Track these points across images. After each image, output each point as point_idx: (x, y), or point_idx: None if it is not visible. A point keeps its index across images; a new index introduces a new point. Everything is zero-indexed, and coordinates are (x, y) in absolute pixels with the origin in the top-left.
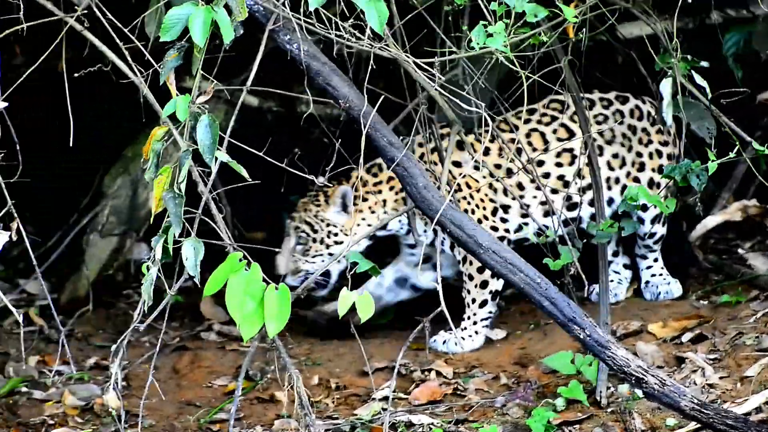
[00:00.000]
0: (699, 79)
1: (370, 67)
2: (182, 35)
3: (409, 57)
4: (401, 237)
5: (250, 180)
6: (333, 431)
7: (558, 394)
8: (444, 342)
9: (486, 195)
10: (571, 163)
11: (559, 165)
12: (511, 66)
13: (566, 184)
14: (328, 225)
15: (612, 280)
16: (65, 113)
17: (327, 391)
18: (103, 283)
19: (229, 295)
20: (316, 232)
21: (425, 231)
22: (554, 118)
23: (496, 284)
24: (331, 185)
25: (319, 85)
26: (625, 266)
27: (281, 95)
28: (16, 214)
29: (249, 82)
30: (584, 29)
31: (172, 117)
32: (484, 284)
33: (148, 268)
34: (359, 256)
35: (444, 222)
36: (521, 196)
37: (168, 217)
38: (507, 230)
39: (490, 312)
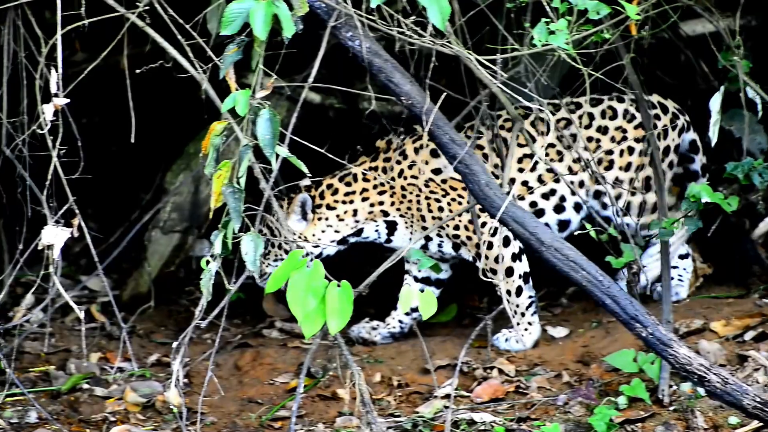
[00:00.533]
0: (752, 93)
1: (432, 64)
2: (242, 30)
3: (471, 54)
4: (382, 244)
5: (310, 176)
6: (395, 429)
7: (620, 392)
8: (506, 340)
9: (464, 197)
10: (533, 169)
11: (521, 170)
12: (573, 63)
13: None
14: (287, 231)
15: (672, 278)
16: (127, 110)
17: (389, 389)
18: (165, 279)
19: (291, 292)
20: (274, 236)
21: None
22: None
23: (522, 267)
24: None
25: (381, 82)
26: (684, 262)
27: (343, 92)
28: (77, 211)
29: (311, 79)
30: (646, 27)
31: (233, 112)
32: (509, 272)
33: (207, 263)
34: (420, 253)
35: (506, 219)
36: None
37: (227, 212)
38: (481, 232)
39: (531, 297)
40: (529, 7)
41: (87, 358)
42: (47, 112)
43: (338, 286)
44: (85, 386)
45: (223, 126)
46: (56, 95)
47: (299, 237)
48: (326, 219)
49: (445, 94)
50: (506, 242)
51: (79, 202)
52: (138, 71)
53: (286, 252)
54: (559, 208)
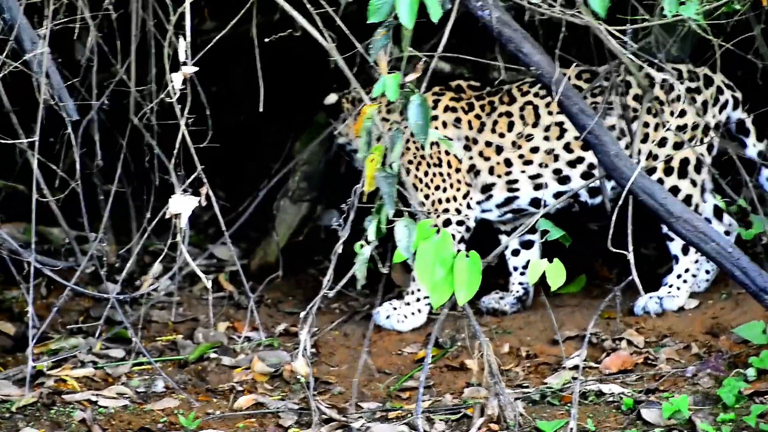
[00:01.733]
0: None
1: (561, 33)
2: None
3: (601, 24)
4: None
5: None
6: (523, 400)
7: (749, 364)
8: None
9: (464, 177)
10: (560, 137)
11: (546, 139)
12: (703, 34)
13: (556, 158)
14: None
15: (664, 285)
16: (256, 79)
17: (517, 360)
18: (293, 249)
19: (419, 262)
20: None
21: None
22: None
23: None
24: None
25: (510, 52)
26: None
27: (473, 61)
28: (205, 180)
29: (440, 48)
30: None
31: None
32: None
33: (361, 247)
34: (550, 224)
35: (635, 190)
36: (508, 172)
37: (380, 196)
38: (467, 216)
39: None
40: None
41: (215, 328)
42: (176, 80)
43: (467, 256)
44: (213, 355)
45: (374, 109)
46: (185, 64)
47: None
48: None
49: (575, 64)
50: None
51: (208, 171)
52: (267, 40)
53: None
54: (587, 176)
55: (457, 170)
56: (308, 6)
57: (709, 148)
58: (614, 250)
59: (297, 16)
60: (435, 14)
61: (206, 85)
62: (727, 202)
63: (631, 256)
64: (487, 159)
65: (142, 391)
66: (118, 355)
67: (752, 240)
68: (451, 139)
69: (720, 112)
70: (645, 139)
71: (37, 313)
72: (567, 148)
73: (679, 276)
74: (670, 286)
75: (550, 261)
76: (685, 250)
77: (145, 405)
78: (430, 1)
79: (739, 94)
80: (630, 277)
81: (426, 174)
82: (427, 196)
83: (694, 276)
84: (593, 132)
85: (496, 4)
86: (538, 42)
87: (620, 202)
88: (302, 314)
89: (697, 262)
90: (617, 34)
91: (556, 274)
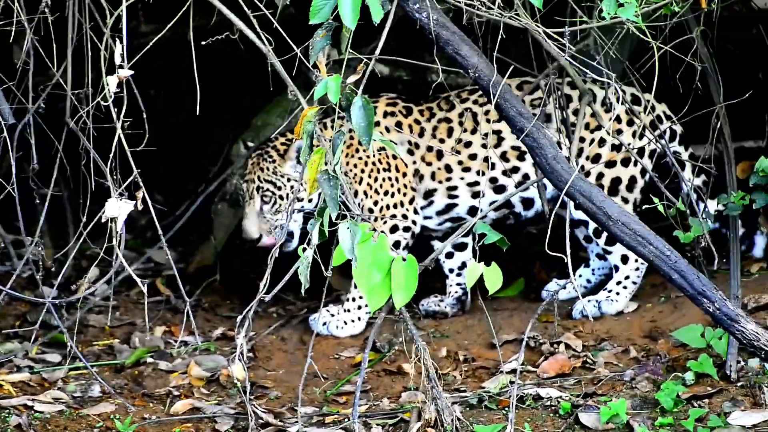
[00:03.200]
0: None
1: (499, 36)
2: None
3: (539, 26)
4: None
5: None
6: (460, 404)
7: (687, 367)
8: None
9: (410, 182)
10: (497, 145)
11: (484, 147)
12: (642, 36)
13: (492, 166)
14: (288, 180)
15: (605, 290)
16: (192, 81)
17: (455, 364)
18: (231, 252)
19: (357, 266)
20: (279, 188)
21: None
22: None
23: None
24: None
25: (448, 55)
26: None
27: (411, 64)
28: (141, 183)
29: (377, 51)
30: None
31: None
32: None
33: (303, 250)
34: (487, 227)
35: (573, 193)
36: (448, 178)
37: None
38: (414, 222)
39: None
40: None
41: (151, 332)
42: (111, 83)
43: (403, 260)
44: (150, 360)
45: (315, 111)
46: (121, 67)
47: (301, 183)
48: None
49: (512, 67)
50: None
51: (145, 174)
52: (204, 43)
53: (298, 200)
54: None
55: (404, 175)
56: (246, 9)
57: (642, 171)
58: (552, 253)
59: (234, 18)
60: (376, 15)
61: (145, 87)
62: (665, 206)
63: (568, 260)
64: (429, 164)
65: (79, 395)
66: (54, 360)
67: (690, 243)
68: (395, 143)
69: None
70: (579, 153)
71: None
72: (503, 157)
73: (619, 282)
74: (609, 291)
75: (488, 264)
76: (624, 260)
77: (82, 410)
78: (372, 2)
79: (678, 128)
80: (567, 280)
81: (376, 180)
82: (376, 202)
83: (634, 283)
84: (531, 135)
85: (433, 6)
86: (476, 44)
87: (557, 205)
88: (239, 318)
89: (638, 270)
90: (555, 36)
91: (494, 277)
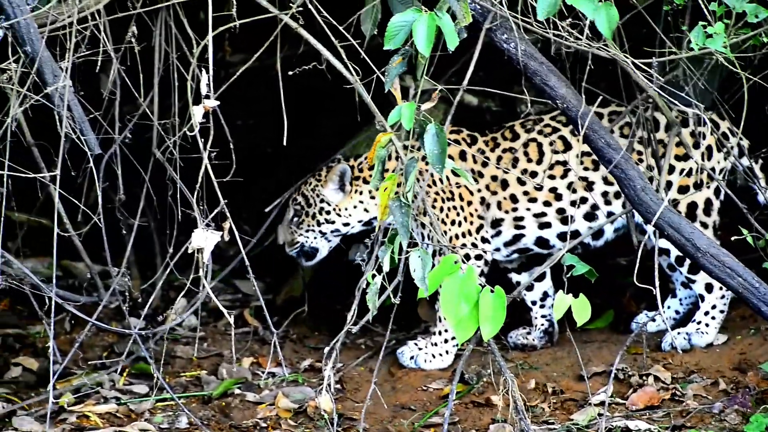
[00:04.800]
0: None
1: (588, 67)
2: (405, 40)
3: (628, 57)
4: None
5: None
6: None
7: None
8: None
9: (476, 210)
10: (564, 176)
11: (551, 177)
12: (731, 67)
13: (558, 197)
14: (322, 201)
15: (693, 321)
16: (280, 112)
17: (543, 396)
18: (319, 283)
19: (444, 297)
20: (309, 206)
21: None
22: (555, 130)
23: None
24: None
25: (536, 85)
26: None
27: (500, 94)
28: (228, 214)
29: (465, 82)
30: None
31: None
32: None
33: (373, 277)
34: (575, 258)
35: (662, 225)
36: (515, 209)
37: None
38: (485, 251)
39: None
40: (687, 10)
41: (239, 363)
42: (197, 113)
43: (491, 291)
44: (237, 391)
45: (388, 138)
46: (207, 97)
47: (334, 208)
48: (360, 194)
49: (600, 98)
50: None
51: (234, 204)
52: (291, 72)
53: (318, 224)
54: (589, 216)
55: (469, 203)
56: (333, 39)
57: (716, 192)
58: (640, 285)
59: (321, 49)
60: (451, 42)
61: (234, 118)
62: (754, 237)
63: (657, 291)
64: (494, 193)
65: (166, 427)
66: (141, 391)
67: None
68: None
69: (725, 159)
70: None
71: (61, 349)
72: (570, 187)
73: (707, 313)
74: (699, 323)
75: (576, 296)
76: (709, 288)
77: None
78: (447, 29)
79: (745, 142)
80: (656, 312)
81: (441, 210)
82: (444, 233)
83: (722, 312)
84: (619, 166)
85: (521, 37)
86: (564, 75)
87: (645, 238)
88: (326, 349)
89: (723, 297)
90: (644, 66)
91: (582, 309)
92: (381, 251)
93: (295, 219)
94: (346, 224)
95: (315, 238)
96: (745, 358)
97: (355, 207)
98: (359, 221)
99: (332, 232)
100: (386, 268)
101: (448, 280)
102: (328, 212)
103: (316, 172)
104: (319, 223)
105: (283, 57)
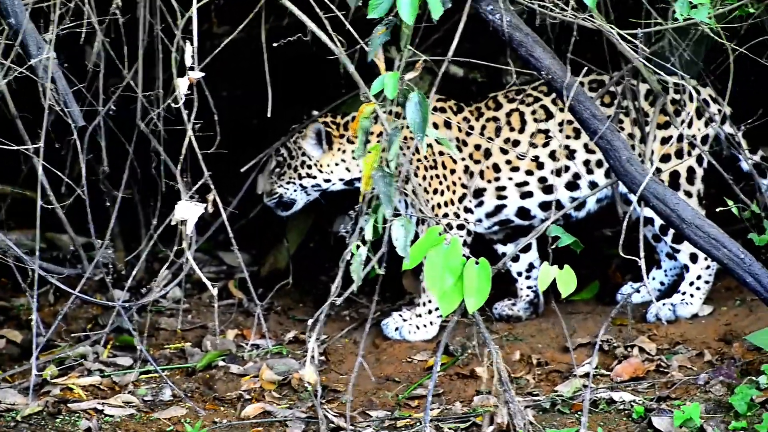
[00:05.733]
0: None
1: (573, 38)
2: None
3: (613, 28)
4: None
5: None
6: (533, 408)
7: (762, 371)
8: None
9: (459, 179)
10: (545, 144)
11: (533, 146)
12: (716, 38)
13: (540, 166)
14: (303, 155)
15: (677, 293)
16: (263, 83)
17: (528, 367)
18: (304, 255)
19: (428, 269)
20: (292, 158)
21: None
22: (537, 99)
23: None
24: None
25: (522, 56)
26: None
27: (486, 65)
28: (212, 186)
29: (450, 53)
30: None
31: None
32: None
33: (358, 248)
34: (561, 230)
35: (647, 196)
36: (497, 178)
37: (377, 196)
38: (467, 221)
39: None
40: None
41: (223, 335)
42: (182, 85)
43: (476, 263)
44: (221, 363)
45: (371, 108)
46: (191, 68)
47: (315, 164)
48: (342, 152)
49: (586, 68)
50: None
51: (218, 176)
52: (275, 44)
53: (300, 177)
54: (571, 186)
55: (452, 172)
56: (317, 10)
57: (699, 159)
58: (626, 256)
59: (306, 20)
60: (435, 12)
61: (218, 89)
62: (740, 208)
63: (642, 263)
64: (477, 162)
65: (149, 399)
66: (125, 363)
67: (765, 246)
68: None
69: (705, 126)
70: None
71: (45, 321)
72: (552, 156)
73: (691, 283)
74: (683, 293)
75: (561, 267)
76: (693, 258)
77: (152, 414)
78: None
79: (727, 109)
80: (641, 284)
81: (424, 178)
82: (426, 201)
83: (707, 282)
84: (605, 137)
85: (506, 8)
86: (549, 46)
87: (630, 208)
88: (310, 321)
89: (708, 268)
90: (629, 38)
91: (567, 280)
92: (363, 220)
93: (277, 170)
94: (327, 180)
95: (295, 190)
96: (731, 330)
97: (336, 165)
98: (340, 179)
99: (312, 186)
100: (369, 237)
101: (433, 252)
102: (309, 167)
103: (300, 128)
104: (300, 177)
105: (270, 28)
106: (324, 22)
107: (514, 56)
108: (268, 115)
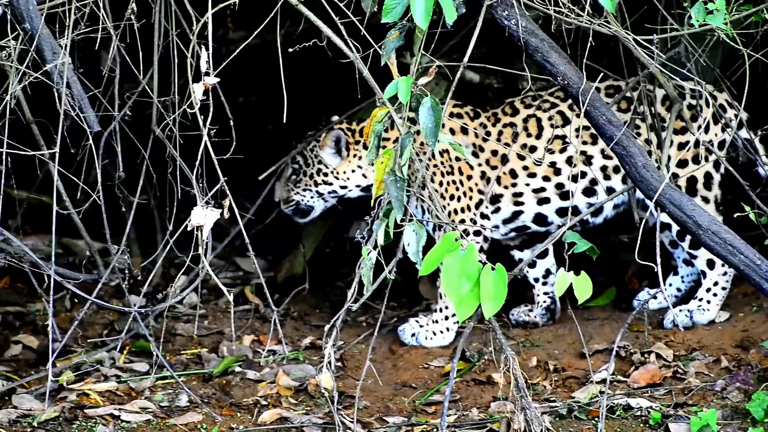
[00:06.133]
0: None
1: (588, 43)
2: (403, 14)
3: (629, 33)
4: None
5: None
6: (549, 414)
7: None
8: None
9: (476, 185)
10: (563, 150)
11: (550, 152)
12: (732, 44)
13: (557, 172)
14: (320, 162)
15: (694, 299)
16: (279, 89)
17: (545, 374)
18: (320, 261)
19: (445, 275)
20: (308, 166)
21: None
22: (554, 105)
23: None
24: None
25: (537, 62)
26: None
27: (502, 71)
28: (228, 191)
29: (466, 59)
30: None
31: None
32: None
33: (368, 252)
34: (577, 235)
35: (663, 202)
36: (514, 184)
37: (389, 200)
38: (483, 227)
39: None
40: None
41: (239, 341)
42: (197, 91)
43: (492, 269)
44: (237, 369)
45: (384, 112)
46: (207, 74)
47: (332, 171)
48: (358, 159)
49: (602, 74)
50: None
51: (234, 182)
52: (291, 50)
53: (316, 184)
54: (588, 192)
55: (469, 177)
56: (333, 16)
57: (716, 165)
58: (642, 262)
59: (321, 25)
60: (450, 17)
61: (235, 94)
62: (757, 214)
63: (658, 269)
64: (494, 168)
65: (166, 405)
66: (141, 369)
67: None
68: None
69: (722, 131)
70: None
71: (61, 327)
72: (569, 162)
73: (708, 290)
74: (700, 300)
75: (577, 273)
76: (710, 264)
77: (168, 419)
78: (445, 3)
79: (743, 114)
80: (658, 290)
81: (441, 184)
82: (443, 207)
83: (724, 289)
84: (620, 143)
85: (522, 13)
86: (565, 52)
87: (647, 214)
88: (326, 327)
89: (725, 274)
90: (645, 43)
91: (583, 286)
92: (375, 225)
93: (293, 177)
94: (343, 187)
95: (312, 197)
96: (748, 336)
97: (353, 171)
98: (357, 186)
99: (329, 193)
100: (380, 242)
101: (449, 257)
102: (326, 174)
103: (316, 134)
104: (316, 183)
105: (285, 33)
106: (339, 27)
107: (530, 62)
108: (284, 120)
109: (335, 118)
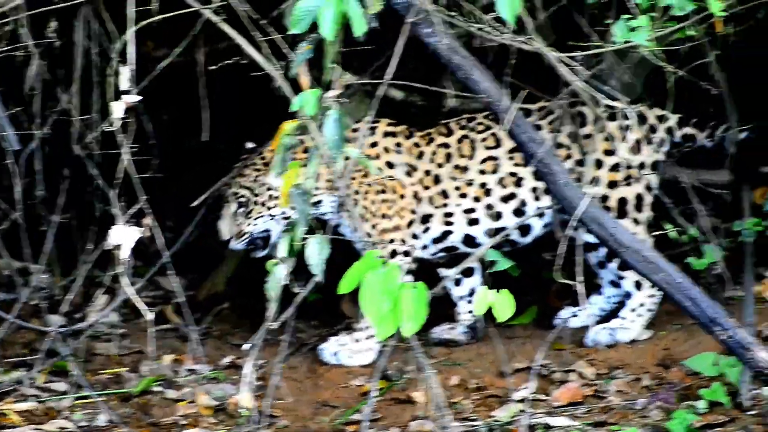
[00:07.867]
0: None
1: (511, 60)
2: (315, 27)
3: (552, 50)
4: (332, 221)
5: (381, 175)
6: None
7: (700, 396)
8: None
9: (408, 204)
10: (494, 171)
11: (482, 172)
12: (655, 61)
13: (488, 192)
14: (268, 189)
15: (617, 317)
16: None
17: (466, 392)
18: (242, 279)
19: (365, 293)
20: (257, 195)
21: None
22: (488, 128)
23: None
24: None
25: (460, 79)
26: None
27: (426, 89)
28: (149, 210)
29: (388, 76)
30: (732, 23)
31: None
32: None
33: (275, 266)
34: (498, 254)
35: (585, 220)
36: (445, 204)
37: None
38: (412, 246)
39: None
40: (613, 3)
41: (159, 360)
42: (117, 109)
43: (413, 287)
44: (157, 389)
45: (293, 126)
46: (127, 92)
47: (274, 191)
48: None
49: (525, 92)
50: None
51: (157, 200)
52: (212, 68)
53: (269, 209)
54: (518, 213)
55: (402, 197)
56: (252, 33)
57: (648, 186)
58: (563, 281)
59: (243, 42)
60: (358, 29)
61: (158, 112)
62: (678, 232)
63: (581, 286)
64: (426, 188)
65: (85, 425)
66: (61, 389)
67: (704, 270)
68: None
69: (659, 147)
70: (578, 180)
71: None
72: (501, 183)
73: (633, 310)
74: (623, 318)
75: (498, 292)
76: (638, 286)
77: None
78: (354, 14)
79: (674, 118)
80: (579, 308)
81: (373, 202)
82: (374, 226)
83: (650, 311)
84: (543, 161)
85: (446, 31)
86: (490, 69)
87: (568, 232)
88: (245, 346)
89: (653, 296)
90: (568, 61)
91: (504, 305)
92: (278, 238)
93: (242, 210)
94: (292, 207)
95: (265, 222)
96: (669, 354)
97: None
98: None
99: (281, 214)
100: (282, 254)
101: (370, 275)
102: (276, 197)
103: (248, 164)
104: (269, 208)
105: (210, 51)
106: (258, 44)
107: (454, 79)
108: (202, 138)
109: (249, 144)
